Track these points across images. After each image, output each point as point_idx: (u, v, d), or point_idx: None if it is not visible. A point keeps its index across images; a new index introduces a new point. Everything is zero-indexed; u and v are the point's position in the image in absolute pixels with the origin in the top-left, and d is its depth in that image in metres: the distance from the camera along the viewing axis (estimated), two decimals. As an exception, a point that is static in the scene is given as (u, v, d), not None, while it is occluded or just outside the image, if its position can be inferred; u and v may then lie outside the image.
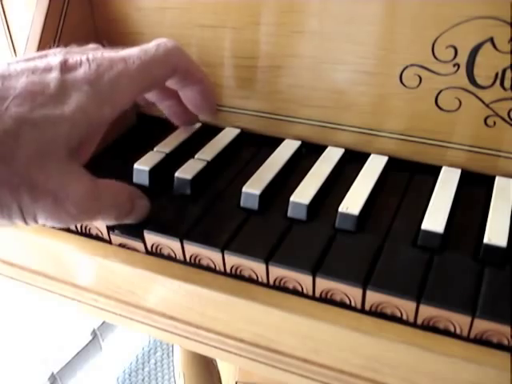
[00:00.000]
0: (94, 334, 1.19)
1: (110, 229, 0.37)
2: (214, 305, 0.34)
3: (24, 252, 0.41)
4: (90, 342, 1.18)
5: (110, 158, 0.45)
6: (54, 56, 0.32)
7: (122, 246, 0.37)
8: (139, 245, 0.36)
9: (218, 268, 0.34)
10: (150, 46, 0.34)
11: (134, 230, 0.36)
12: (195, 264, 0.35)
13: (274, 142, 0.44)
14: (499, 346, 0.28)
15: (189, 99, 0.39)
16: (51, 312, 1.10)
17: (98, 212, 0.31)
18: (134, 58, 0.32)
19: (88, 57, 0.32)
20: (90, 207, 0.30)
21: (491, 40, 0.35)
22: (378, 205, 0.37)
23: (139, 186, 0.40)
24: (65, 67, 0.31)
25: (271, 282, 0.33)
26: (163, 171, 0.41)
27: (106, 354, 1.21)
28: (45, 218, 0.28)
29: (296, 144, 0.44)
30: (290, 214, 0.36)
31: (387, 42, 0.38)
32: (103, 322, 1.19)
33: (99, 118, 0.31)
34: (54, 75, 0.30)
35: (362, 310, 0.31)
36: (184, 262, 0.35)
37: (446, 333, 0.29)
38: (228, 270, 0.34)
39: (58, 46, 0.35)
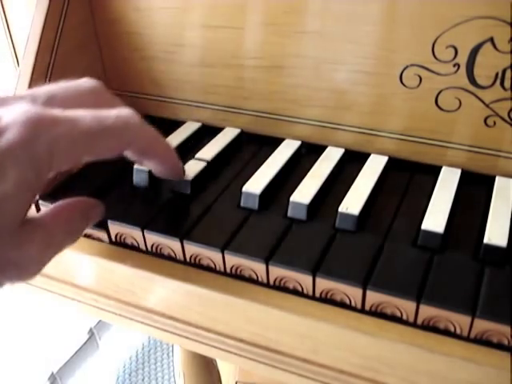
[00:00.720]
0: (91, 332, 1.19)
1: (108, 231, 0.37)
2: (214, 305, 0.34)
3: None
4: (88, 340, 1.18)
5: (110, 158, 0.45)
6: None
7: (121, 246, 0.37)
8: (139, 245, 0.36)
9: (218, 268, 0.34)
10: (110, 116, 0.30)
11: (134, 230, 0.36)
12: (195, 264, 0.35)
13: (274, 142, 0.44)
14: (499, 346, 0.28)
15: (150, 168, 0.36)
16: (49, 311, 1.10)
17: (57, 247, 0.30)
18: (85, 123, 0.28)
19: (24, 116, 0.27)
20: (48, 254, 0.30)
21: (491, 40, 0.35)
22: (378, 205, 0.37)
23: (139, 187, 0.40)
24: None
25: (271, 281, 0.33)
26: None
27: (103, 352, 1.21)
28: (12, 282, 0.28)
29: (296, 144, 0.44)
30: (289, 213, 0.36)
31: (387, 41, 0.38)
32: (99, 321, 1.19)
33: (41, 182, 0.28)
34: None
35: (362, 310, 0.31)
36: (184, 262, 0.35)
37: (446, 333, 0.29)
38: (228, 270, 0.34)
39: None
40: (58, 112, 0.28)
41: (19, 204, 0.27)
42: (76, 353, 1.15)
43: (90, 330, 1.19)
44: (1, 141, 0.26)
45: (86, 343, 1.18)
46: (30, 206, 0.28)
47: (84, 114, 0.29)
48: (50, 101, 0.30)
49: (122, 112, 0.31)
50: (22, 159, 0.26)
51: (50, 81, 0.43)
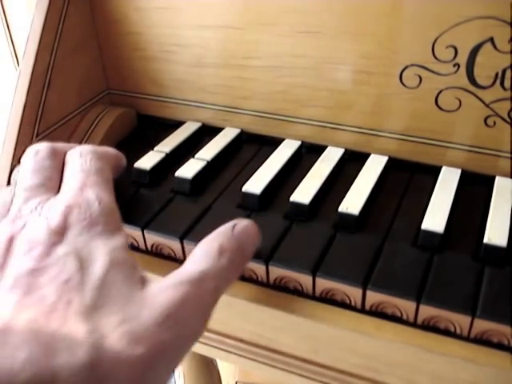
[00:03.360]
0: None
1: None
2: (214, 305, 0.34)
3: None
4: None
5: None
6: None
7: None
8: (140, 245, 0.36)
9: (217, 268, 0.34)
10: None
11: (134, 230, 0.36)
12: (195, 264, 0.35)
13: (274, 142, 0.44)
14: (499, 346, 0.28)
15: None
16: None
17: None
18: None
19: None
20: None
21: (491, 40, 0.35)
22: (378, 205, 0.37)
23: (139, 185, 0.40)
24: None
25: (271, 282, 0.33)
26: (163, 171, 0.41)
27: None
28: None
29: (296, 144, 0.44)
30: (289, 213, 0.36)
31: (387, 41, 0.38)
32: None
33: None
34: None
35: (362, 310, 0.31)
36: (184, 262, 0.35)
37: (446, 333, 0.29)
38: (228, 270, 0.34)
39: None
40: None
41: None
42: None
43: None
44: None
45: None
46: None
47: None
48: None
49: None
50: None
51: (49, 80, 0.43)
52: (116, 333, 0.22)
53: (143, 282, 0.25)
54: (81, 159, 0.32)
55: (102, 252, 0.26)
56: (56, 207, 0.28)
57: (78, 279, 0.24)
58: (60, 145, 0.34)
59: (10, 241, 0.26)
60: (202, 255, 0.27)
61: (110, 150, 0.35)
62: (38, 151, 0.32)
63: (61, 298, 0.23)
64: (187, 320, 0.24)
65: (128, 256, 0.27)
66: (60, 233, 0.26)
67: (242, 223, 0.30)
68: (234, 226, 0.29)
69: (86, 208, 0.28)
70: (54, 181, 0.31)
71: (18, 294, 0.23)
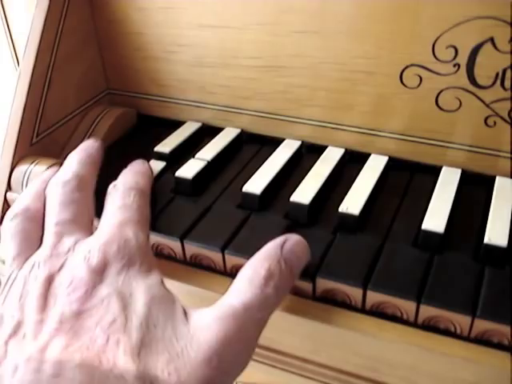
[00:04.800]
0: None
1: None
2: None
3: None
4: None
5: (110, 157, 0.45)
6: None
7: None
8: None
9: (218, 268, 0.34)
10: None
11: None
12: (195, 264, 0.35)
13: (274, 142, 0.44)
14: (499, 346, 0.28)
15: None
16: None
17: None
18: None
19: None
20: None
21: (491, 40, 0.35)
22: (378, 205, 0.37)
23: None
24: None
25: (271, 282, 0.33)
26: (163, 171, 0.41)
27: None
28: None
29: (296, 144, 0.44)
30: (290, 213, 0.36)
31: (387, 41, 0.38)
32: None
33: None
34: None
35: (363, 310, 0.31)
36: (184, 262, 0.35)
37: (446, 333, 0.29)
38: (228, 270, 0.34)
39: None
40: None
41: None
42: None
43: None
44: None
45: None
46: None
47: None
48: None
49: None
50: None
51: (49, 81, 0.43)
52: (165, 372, 0.23)
53: (185, 315, 0.25)
54: (123, 194, 0.32)
55: (142, 290, 0.26)
56: (95, 245, 0.28)
57: (122, 319, 0.24)
58: (87, 173, 0.34)
59: (49, 280, 0.26)
60: (247, 283, 0.26)
61: (146, 172, 0.36)
62: (66, 182, 0.32)
63: (109, 340, 0.23)
64: (232, 356, 0.24)
65: (167, 291, 0.27)
66: (100, 271, 0.26)
67: (292, 240, 0.29)
68: (283, 244, 0.29)
69: (124, 246, 0.28)
70: (85, 216, 0.31)
71: (66, 337, 0.24)
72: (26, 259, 0.28)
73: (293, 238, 0.29)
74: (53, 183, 0.33)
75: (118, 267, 0.27)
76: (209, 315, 0.25)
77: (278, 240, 0.29)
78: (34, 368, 0.22)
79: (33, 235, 0.30)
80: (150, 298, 0.26)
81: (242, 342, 0.25)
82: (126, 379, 0.22)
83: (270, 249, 0.28)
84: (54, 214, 0.30)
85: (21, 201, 0.32)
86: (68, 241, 0.29)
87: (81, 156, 0.35)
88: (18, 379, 0.22)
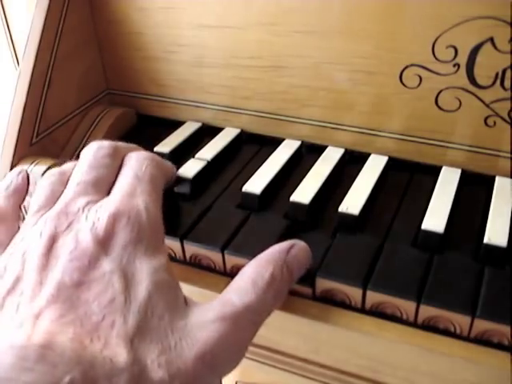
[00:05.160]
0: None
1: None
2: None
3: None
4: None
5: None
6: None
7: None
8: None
9: (218, 268, 0.34)
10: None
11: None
12: (195, 264, 0.35)
13: (274, 142, 0.44)
14: (499, 346, 0.28)
15: None
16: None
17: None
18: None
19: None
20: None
21: (491, 40, 0.35)
22: (378, 205, 0.37)
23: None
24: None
25: (271, 282, 0.33)
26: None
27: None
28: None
29: (296, 144, 0.44)
30: (289, 213, 0.36)
31: (387, 41, 0.38)
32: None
33: None
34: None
35: (363, 310, 0.31)
36: (184, 262, 0.35)
37: (446, 333, 0.29)
38: (228, 270, 0.34)
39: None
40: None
41: None
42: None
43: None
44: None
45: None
46: None
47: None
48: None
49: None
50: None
51: (49, 80, 0.43)
52: (155, 363, 0.22)
53: (185, 308, 0.25)
54: (137, 164, 0.31)
55: (145, 272, 0.25)
56: (104, 212, 0.27)
57: (122, 300, 0.24)
58: (123, 145, 0.33)
59: (54, 239, 0.26)
60: (250, 284, 0.26)
61: (167, 162, 0.36)
62: (100, 148, 0.32)
63: (104, 319, 0.23)
64: (225, 356, 0.24)
65: (171, 277, 0.26)
66: (106, 242, 0.26)
67: (298, 247, 0.29)
68: (289, 250, 0.28)
69: (134, 218, 0.27)
70: (107, 183, 0.31)
71: (60, 308, 0.23)
72: (42, 216, 0.28)
73: (299, 245, 0.29)
74: (89, 145, 0.33)
75: (124, 240, 0.26)
76: (209, 312, 0.25)
77: (285, 245, 0.29)
78: (25, 336, 0.22)
79: (57, 195, 0.30)
80: (152, 282, 0.25)
81: (237, 343, 0.25)
82: (113, 363, 0.22)
83: (276, 252, 0.28)
84: (79, 174, 0.30)
85: (63, 166, 0.33)
86: (81, 201, 0.28)
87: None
88: (7, 342, 0.22)
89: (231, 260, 0.33)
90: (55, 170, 0.32)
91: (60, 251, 0.25)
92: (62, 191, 0.30)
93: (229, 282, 0.33)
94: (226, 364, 0.25)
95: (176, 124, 0.48)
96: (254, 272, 0.27)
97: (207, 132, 0.47)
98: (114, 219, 0.26)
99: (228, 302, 0.25)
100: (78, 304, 0.23)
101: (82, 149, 0.45)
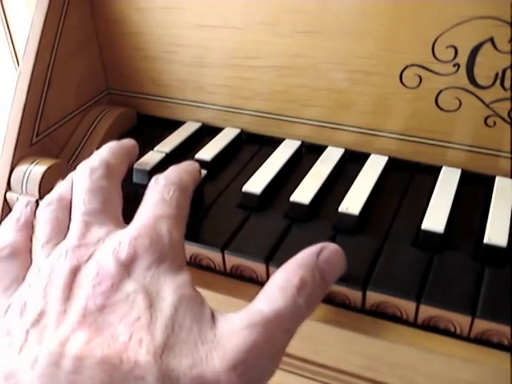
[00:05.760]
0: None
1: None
2: (215, 305, 0.34)
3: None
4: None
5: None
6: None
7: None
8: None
9: (218, 268, 0.34)
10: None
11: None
12: (195, 264, 0.35)
13: (274, 142, 0.44)
14: (499, 346, 0.28)
15: None
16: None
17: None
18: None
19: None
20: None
21: (491, 40, 0.35)
22: (378, 205, 0.37)
23: (139, 186, 0.40)
24: None
25: (271, 281, 0.33)
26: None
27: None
28: None
29: (296, 144, 0.44)
30: (289, 213, 0.36)
31: (387, 41, 0.38)
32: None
33: None
34: None
35: (363, 310, 0.31)
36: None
37: (446, 333, 0.29)
38: (228, 270, 0.34)
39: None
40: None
41: None
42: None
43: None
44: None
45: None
46: None
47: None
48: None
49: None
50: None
51: (49, 80, 0.43)
52: (187, 378, 0.22)
53: (213, 319, 0.25)
54: (163, 188, 0.31)
55: (170, 289, 0.25)
56: (126, 237, 0.27)
57: (147, 318, 0.23)
58: (116, 163, 0.33)
59: (76, 271, 0.26)
60: (279, 291, 0.25)
61: (194, 170, 0.34)
62: (93, 169, 0.31)
63: (132, 338, 0.23)
64: (258, 365, 0.23)
65: (196, 292, 0.26)
66: (128, 265, 0.26)
67: (329, 250, 0.28)
68: (319, 253, 0.27)
69: (156, 242, 0.27)
70: (114, 206, 0.31)
71: (88, 332, 0.23)
72: (55, 246, 0.28)
73: (330, 247, 0.28)
74: (80, 169, 0.32)
75: (147, 262, 0.26)
76: (237, 321, 0.24)
77: (315, 248, 0.28)
78: (53, 362, 0.22)
79: (64, 223, 0.29)
80: (177, 297, 0.25)
81: (269, 351, 0.24)
82: (146, 380, 0.21)
83: (305, 257, 0.27)
84: (82, 203, 0.30)
85: (57, 189, 0.32)
86: (97, 231, 0.28)
87: (112, 145, 0.35)
88: (36, 372, 0.22)
89: (231, 260, 0.33)
90: (52, 198, 0.31)
91: (83, 281, 0.25)
92: (67, 217, 0.30)
93: (230, 282, 0.34)
94: (259, 373, 0.24)
95: (176, 124, 0.48)
96: (282, 278, 0.26)
97: (207, 132, 0.47)
98: (136, 243, 0.26)
99: (256, 310, 0.25)
100: (103, 327, 0.23)
101: (82, 149, 0.45)
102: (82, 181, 0.31)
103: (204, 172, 0.37)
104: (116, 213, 0.31)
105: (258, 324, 0.24)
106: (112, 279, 0.25)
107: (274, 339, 0.24)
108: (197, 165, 0.36)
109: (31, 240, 0.31)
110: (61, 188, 0.32)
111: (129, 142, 0.37)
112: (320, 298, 0.27)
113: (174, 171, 0.33)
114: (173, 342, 0.23)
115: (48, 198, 0.31)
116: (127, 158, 0.36)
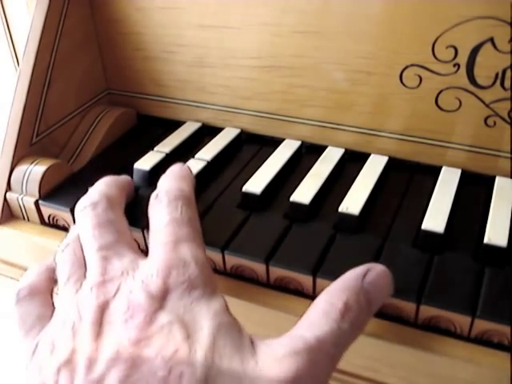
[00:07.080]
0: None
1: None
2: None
3: (25, 252, 0.41)
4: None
5: (110, 157, 0.45)
6: None
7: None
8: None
9: (218, 268, 0.34)
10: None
11: (134, 231, 0.36)
12: (195, 264, 0.35)
13: (274, 142, 0.44)
14: (499, 346, 0.28)
15: None
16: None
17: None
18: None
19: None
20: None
21: (491, 40, 0.35)
22: (378, 205, 0.37)
23: (138, 187, 0.40)
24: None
25: (272, 282, 0.33)
26: (163, 171, 0.41)
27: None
28: None
29: (296, 144, 0.44)
30: (290, 213, 0.36)
31: (387, 41, 0.38)
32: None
33: None
34: None
35: (362, 310, 0.31)
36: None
37: (446, 333, 0.29)
38: (228, 270, 0.34)
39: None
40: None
41: None
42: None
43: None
44: None
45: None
46: None
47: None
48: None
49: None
50: None
51: (49, 80, 0.43)
52: None
53: (252, 346, 0.24)
54: (170, 206, 0.30)
55: (206, 317, 0.24)
56: (152, 269, 0.26)
57: (186, 349, 0.22)
58: (115, 194, 0.32)
59: (104, 307, 0.25)
60: (322, 316, 0.24)
61: (188, 176, 0.34)
62: (94, 205, 0.30)
63: (171, 372, 0.22)
64: None
65: (233, 318, 0.25)
66: (161, 298, 0.25)
67: (376, 271, 0.26)
68: (365, 274, 0.26)
69: (183, 271, 0.26)
70: (126, 235, 0.30)
71: (123, 369, 0.22)
72: (76, 281, 0.27)
73: (376, 269, 0.26)
74: (81, 206, 0.31)
75: (178, 293, 0.25)
76: (279, 348, 0.23)
77: (359, 270, 0.26)
78: None
79: (83, 260, 0.29)
80: (215, 326, 0.24)
81: (313, 378, 0.23)
82: None
83: (350, 279, 0.26)
84: (94, 238, 0.29)
85: (69, 233, 0.31)
86: (118, 264, 0.27)
87: (107, 178, 0.34)
88: None
89: (231, 260, 0.33)
90: (66, 242, 0.30)
91: (113, 316, 0.24)
92: (83, 254, 0.29)
93: (229, 282, 0.34)
94: None
95: (176, 124, 0.48)
96: (325, 302, 0.25)
97: (207, 132, 0.47)
98: (164, 276, 0.25)
99: (298, 336, 0.24)
100: (140, 362, 0.22)
101: (82, 149, 0.45)
102: (87, 217, 0.30)
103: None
104: (130, 241, 0.30)
105: (300, 351, 0.23)
106: (144, 311, 0.24)
107: (317, 366, 0.23)
108: (187, 167, 0.35)
109: (53, 282, 0.30)
110: (72, 232, 0.31)
111: (124, 177, 0.36)
112: (366, 322, 0.26)
113: (170, 182, 0.32)
114: (214, 374, 0.22)
115: (62, 243, 0.30)
116: (124, 189, 0.35)
